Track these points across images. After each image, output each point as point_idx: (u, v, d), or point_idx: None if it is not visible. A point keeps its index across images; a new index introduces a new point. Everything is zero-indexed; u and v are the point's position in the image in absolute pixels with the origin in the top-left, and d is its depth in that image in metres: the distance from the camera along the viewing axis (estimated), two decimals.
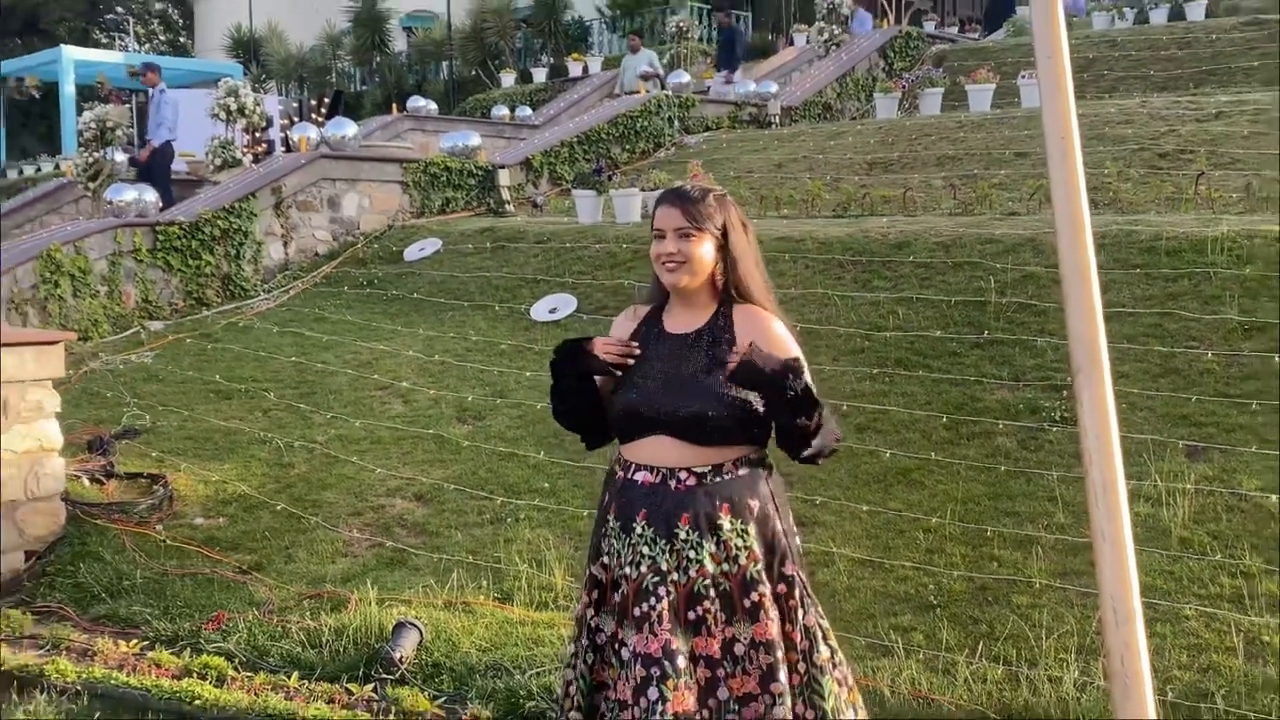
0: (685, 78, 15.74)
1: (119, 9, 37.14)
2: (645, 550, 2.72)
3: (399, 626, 4.54)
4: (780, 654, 2.66)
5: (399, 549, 5.51)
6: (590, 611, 2.82)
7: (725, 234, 2.82)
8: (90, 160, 12.62)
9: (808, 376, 2.69)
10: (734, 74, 17.93)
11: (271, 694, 4.26)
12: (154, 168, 12.32)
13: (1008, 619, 4.25)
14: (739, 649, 2.66)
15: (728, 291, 2.84)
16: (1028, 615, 4.26)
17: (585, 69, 21.23)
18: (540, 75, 22.60)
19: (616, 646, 2.74)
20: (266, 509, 5.98)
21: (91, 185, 12.58)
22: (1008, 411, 5.81)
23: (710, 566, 2.67)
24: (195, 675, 4.46)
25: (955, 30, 21.67)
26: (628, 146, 13.72)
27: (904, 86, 14.74)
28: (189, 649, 4.72)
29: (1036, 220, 8.00)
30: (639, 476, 2.79)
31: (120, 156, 13.11)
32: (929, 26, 19.70)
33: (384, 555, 5.48)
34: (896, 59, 17.16)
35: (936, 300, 7.04)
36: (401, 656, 4.41)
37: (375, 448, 6.63)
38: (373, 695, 4.24)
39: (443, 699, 4.22)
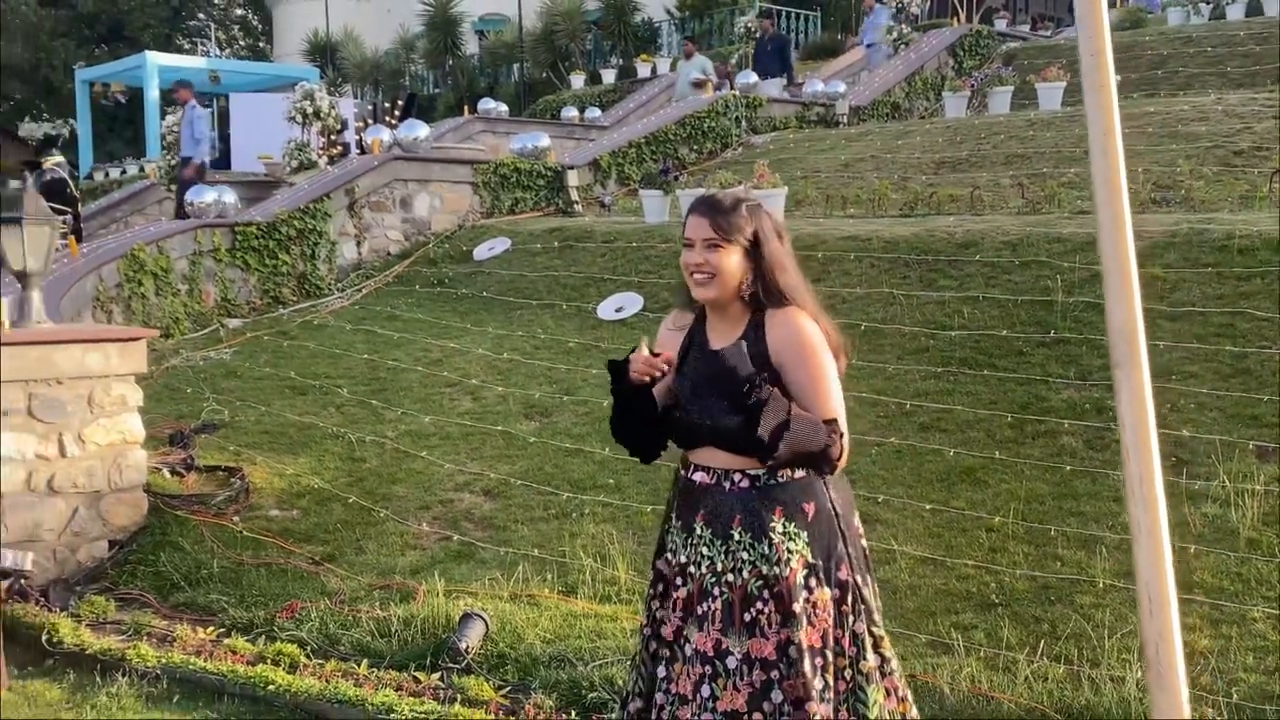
0: (753, 78, 15.71)
1: (201, 15, 37.95)
2: (705, 550, 2.76)
3: (465, 617, 4.62)
4: (828, 659, 2.67)
5: (466, 542, 5.60)
6: (656, 604, 2.87)
7: (757, 244, 2.78)
8: (173, 163, 12.93)
9: (831, 399, 2.72)
10: (791, 78, 17.75)
11: (341, 681, 4.35)
12: (192, 182, 12.49)
13: (1070, 618, 4.21)
14: (793, 652, 2.64)
15: (760, 300, 2.80)
16: (1090, 615, 4.22)
17: (654, 70, 21.29)
18: (609, 76, 22.70)
19: (680, 642, 2.77)
20: (339, 502, 6.11)
21: (173, 187, 12.90)
22: (1073, 411, 5.74)
23: (763, 568, 2.68)
24: (269, 661, 4.58)
25: (1027, 28, 21.37)
26: (695, 147, 13.74)
27: (973, 85, 14.58)
28: (263, 636, 4.84)
29: None
30: (697, 477, 2.82)
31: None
32: (1000, 25, 19.45)
33: (452, 548, 5.57)
34: (966, 57, 16.97)
35: (1003, 299, 6.98)
36: (467, 646, 4.49)
37: (444, 443, 6.73)
38: (439, 684, 4.32)
39: (507, 689, 4.29)
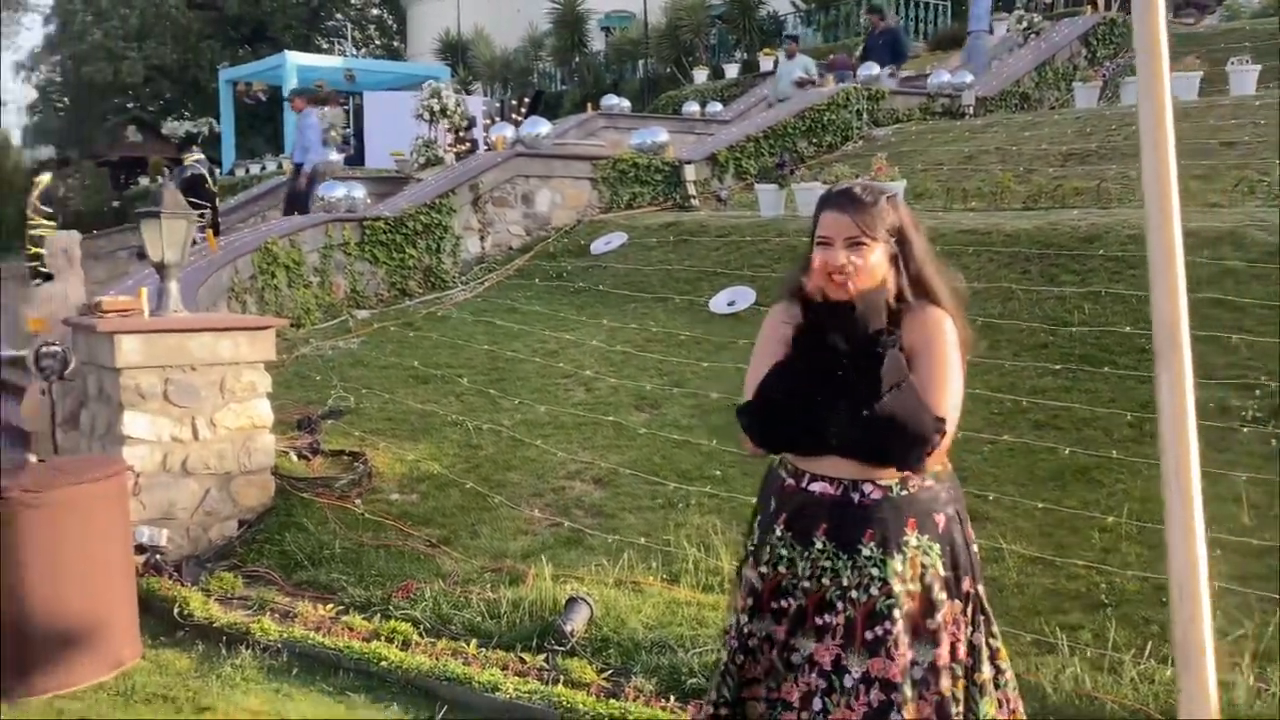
0: (876, 69, 15.52)
1: (339, 16, 39.14)
2: (826, 564, 2.58)
3: (571, 601, 4.72)
4: (957, 672, 2.56)
5: (576, 529, 5.70)
6: (744, 617, 2.70)
7: (902, 238, 2.60)
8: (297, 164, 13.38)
9: (949, 398, 2.52)
10: (898, 70, 17.43)
11: (451, 659, 4.49)
12: (308, 192, 12.85)
13: None
14: (917, 673, 2.50)
15: (899, 298, 2.60)
16: None
17: (776, 64, 21.16)
18: (732, 71, 22.67)
19: (786, 653, 2.62)
20: (456, 487, 6.27)
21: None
22: (1197, 410, 5.54)
23: (895, 585, 2.52)
24: (383, 639, 4.73)
25: (1169, 16, 20.57)
26: (814, 140, 13.64)
27: (1105, 75, 14.14)
28: (379, 614, 5.01)
29: (1238, 213, 7.59)
30: (816, 488, 2.62)
31: (335, 156, 13.87)
32: None
33: (561, 534, 5.68)
34: (1099, 46, 16.46)
35: (1126, 295, 6.78)
36: (572, 630, 4.58)
37: (558, 432, 6.85)
38: (544, 665, 4.43)
39: (609, 672, 4.37)
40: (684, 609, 4.75)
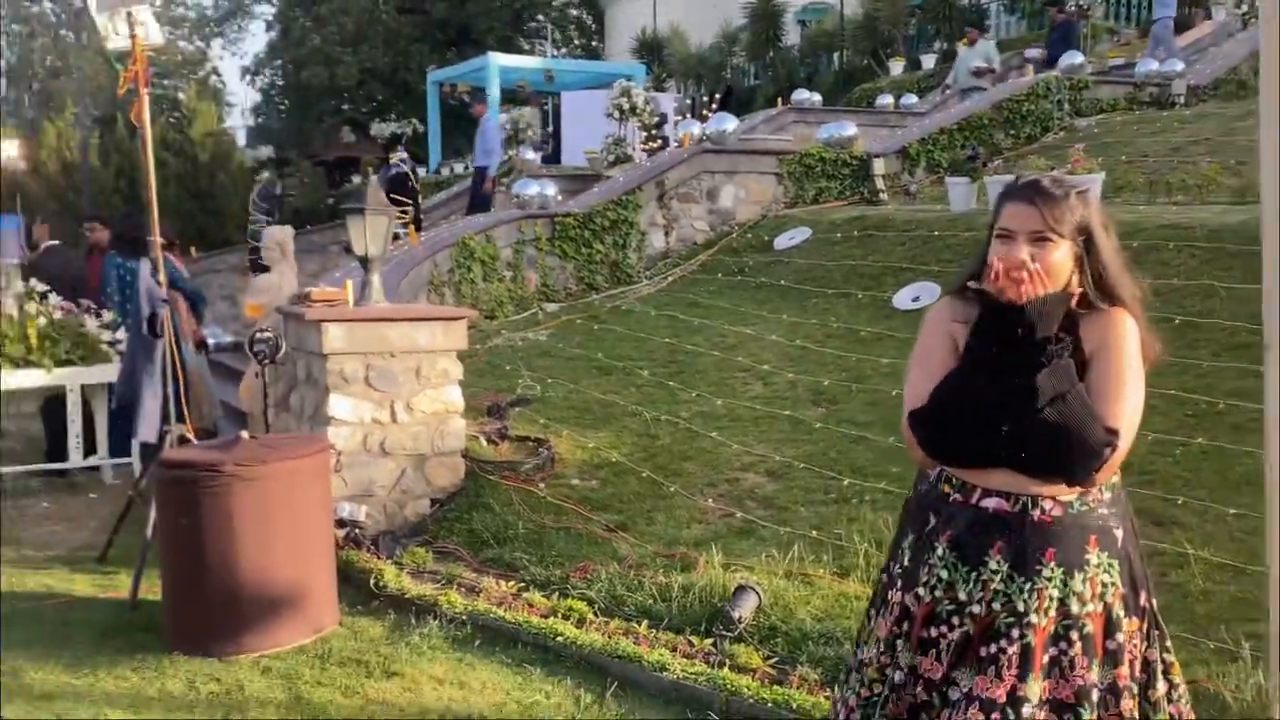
0: (1079, 58, 14.95)
1: (539, 17, 40.16)
2: (999, 587, 2.43)
3: (740, 589, 4.81)
4: (1135, 690, 2.47)
5: (748, 520, 5.79)
6: (901, 643, 2.54)
7: (1089, 237, 2.43)
8: (505, 158, 13.88)
9: (1124, 407, 2.35)
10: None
11: (623, 638, 4.66)
12: (486, 195, 13.22)
13: None
14: (1095, 695, 2.39)
15: (1083, 302, 2.45)
16: None
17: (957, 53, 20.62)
18: (930, 62, 22.21)
19: (943, 688, 2.48)
20: (634, 475, 6.46)
21: (504, 181, 13.87)
22: None
23: (1074, 606, 2.40)
24: (560, 616, 4.95)
25: None
26: (1012, 131, 13.26)
27: None
28: (557, 593, 5.22)
29: None
30: (988, 504, 2.46)
31: (531, 154, 14.32)
32: None
33: (734, 525, 5.78)
34: None
35: None
36: (740, 617, 4.68)
37: (734, 425, 6.95)
38: (711, 649, 4.54)
39: (775, 659, 4.44)
40: (853, 603, 4.77)
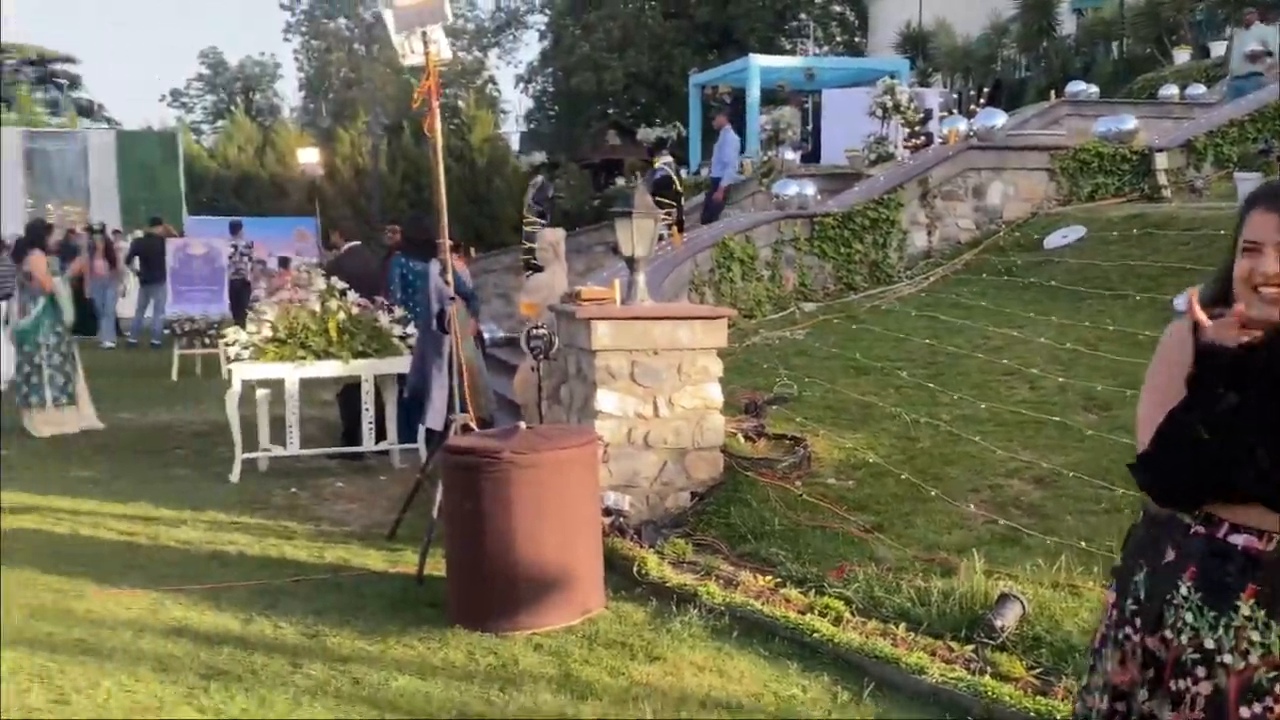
0: None
1: (802, 15, 40.05)
2: (1255, 636, 2.18)
3: (1003, 597, 4.71)
4: None
5: (1012, 527, 5.63)
6: (1145, 692, 2.30)
7: None
8: (765, 158, 13.99)
9: None
10: None
11: (880, 639, 4.65)
12: (719, 205, 13.19)
13: None
14: None
15: None
16: None
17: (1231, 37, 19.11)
18: (1220, 49, 20.71)
19: None
20: (891, 477, 6.40)
21: (764, 181, 13.98)
22: None
23: None
24: (816, 613, 4.98)
25: None
26: None
27: None
28: (813, 590, 5.26)
29: None
30: (1238, 540, 2.21)
31: (790, 154, 14.37)
32: None
33: (996, 532, 5.64)
34: None
35: None
36: (1003, 625, 4.58)
37: (998, 429, 6.78)
38: (971, 655, 4.48)
39: (1039, 670, 4.33)
40: (1081, 683, 4.59)
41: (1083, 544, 5.31)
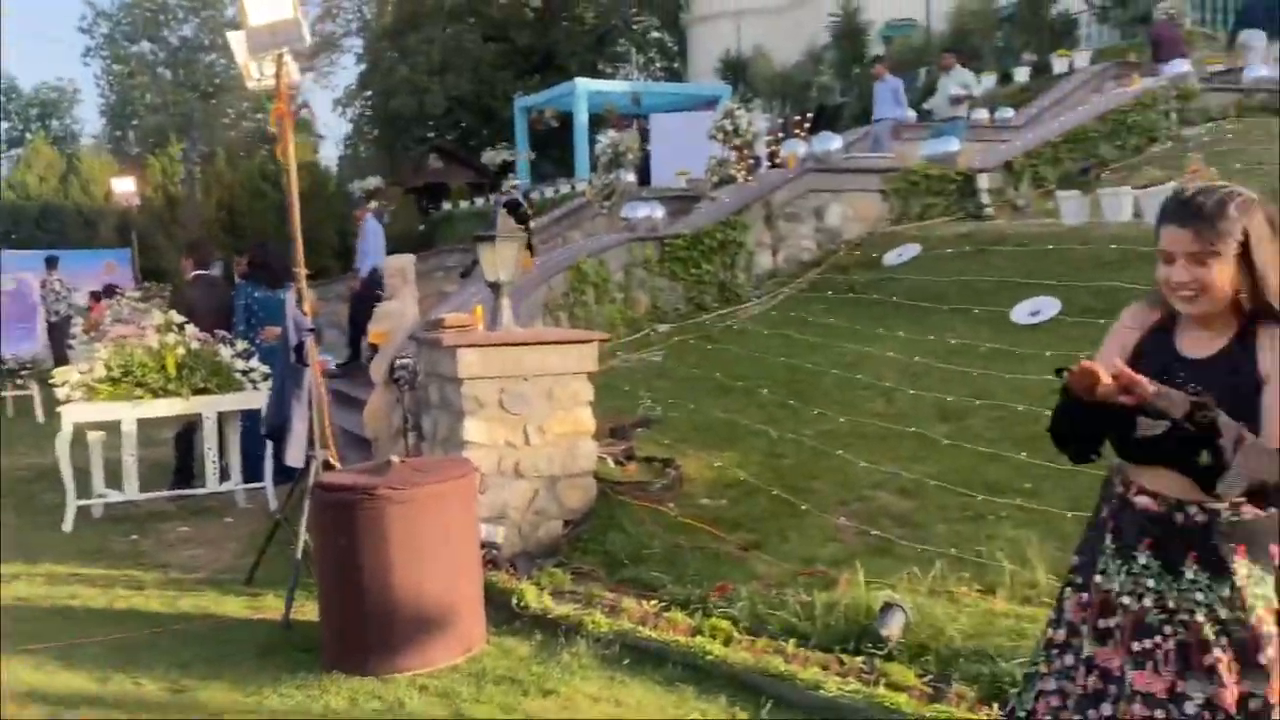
0: (1185, 66, 14.70)
1: (622, 41, 40.55)
2: (1150, 583, 2.50)
3: (886, 607, 4.81)
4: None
5: (884, 538, 5.78)
6: (1087, 628, 2.62)
7: (1247, 245, 2.40)
8: (605, 181, 14.06)
9: None
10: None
11: (773, 656, 4.68)
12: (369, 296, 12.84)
13: None
14: (1254, 704, 2.39)
15: (1254, 309, 2.45)
16: None
17: (1071, 65, 20.36)
18: (1022, 75, 21.95)
19: (1116, 676, 2.54)
20: (763, 494, 6.48)
21: (606, 204, 14.03)
22: None
23: (1222, 612, 2.42)
24: (705, 635, 4.98)
25: None
26: (1118, 143, 13.08)
27: None
28: (698, 612, 5.24)
29: None
30: (1141, 501, 2.54)
31: (631, 177, 14.48)
32: None
33: (870, 543, 5.77)
34: None
35: None
36: (889, 635, 4.67)
37: (859, 443, 6.95)
38: (863, 666, 4.55)
39: (928, 677, 4.43)
40: (1001, 620, 4.75)
41: (953, 550, 5.48)
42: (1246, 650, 2.41)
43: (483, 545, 6.08)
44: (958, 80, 15.46)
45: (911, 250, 10.57)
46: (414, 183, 32.98)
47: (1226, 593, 2.42)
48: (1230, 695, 2.39)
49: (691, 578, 5.64)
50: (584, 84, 26.00)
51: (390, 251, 12.59)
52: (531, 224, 15.02)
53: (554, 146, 32.35)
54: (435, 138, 36.99)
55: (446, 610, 5.03)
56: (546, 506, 6.51)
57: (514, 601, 5.57)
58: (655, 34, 42.34)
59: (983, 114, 17.77)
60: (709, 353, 9.45)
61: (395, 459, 5.30)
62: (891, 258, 10.63)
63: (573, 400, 6.55)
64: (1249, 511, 2.43)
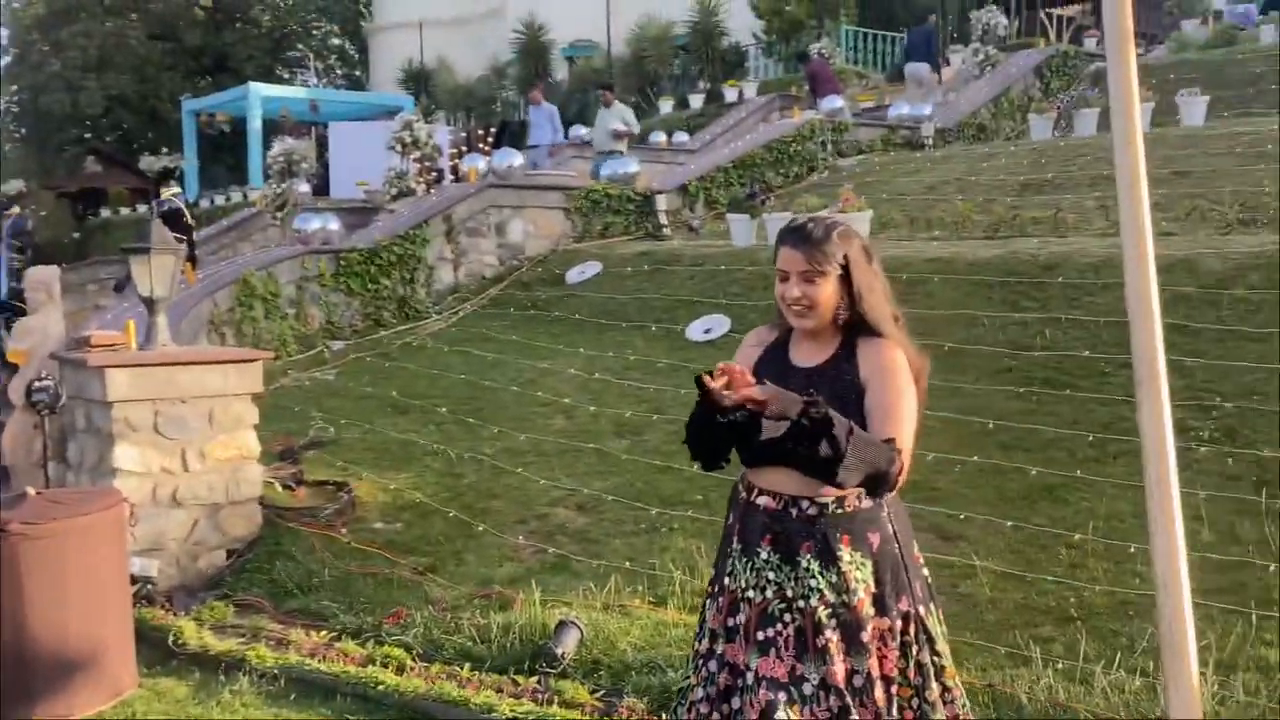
0: (839, 102, 15.86)
1: (300, 46, 39.17)
2: (770, 575, 2.74)
3: (561, 625, 4.84)
4: (894, 689, 2.70)
5: (561, 555, 5.83)
6: (722, 631, 2.84)
7: (847, 269, 2.75)
8: (278, 191, 13.50)
9: (902, 423, 2.66)
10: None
11: (446, 682, 4.60)
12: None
13: (1147, 632, 4.30)
14: (858, 681, 2.66)
15: (851, 324, 2.78)
16: None
17: (741, 94, 21.54)
18: (697, 101, 23.00)
19: (742, 669, 2.75)
20: (439, 515, 6.39)
21: (279, 215, 13.47)
22: None
23: (831, 596, 2.68)
24: (378, 664, 4.82)
25: None
26: (782, 171, 13.94)
27: (1059, 107, 14.54)
28: (372, 640, 5.09)
29: (1190, 241, 7.90)
30: (761, 501, 2.79)
31: (305, 188, 13.97)
32: (1090, 44, 19.33)
33: (547, 560, 5.81)
34: (1053, 78, 16.92)
35: (1085, 321, 7.05)
36: (563, 653, 4.71)
37: (539, 460, 7.00)
38: (537, 686, 4.55)
39: (601, 692, 4.48)
40: (671, 630, 4.89)
41: (627, 564, 5.60)
42: (851, 630, 2.67)
43: (135, 580, 5.65)
44: (618, 115, 15.28)
45: (593, 268, 10.79)
46: (68, 187, 30.52)
47: (835, 578, 2.69)
48: (840, 672, 2.64)
49: (364, 605, 5.47)
50: (258, 88, 24.95)
51: (38, 261, 11.57)
52: (196, 234, 14.25)
53: (226, 153, 30.87)
54: (93, 139, 34.36)
55: (91, 652, 4.62)
56: (208, 536, 6.13)
57: (171, 639, 5.21)
58: (336, 41, 41.20)
59: (661, 137, 18.47)
60: (386, 370, 9.25)
61: (31, 491, 4.82)
62: (573, 275, 10.80)
63: (236, 423, 6.21)
64: (851, 504, 2.72)
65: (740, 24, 25.02)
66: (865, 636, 2.68)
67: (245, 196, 21.72)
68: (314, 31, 39.85)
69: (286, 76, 37.35)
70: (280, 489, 6.78)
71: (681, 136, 18.51)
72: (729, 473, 2.98)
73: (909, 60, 18.63)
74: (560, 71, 29.54)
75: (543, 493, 6.53)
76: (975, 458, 6.02)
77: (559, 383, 8.31)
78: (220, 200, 24.23)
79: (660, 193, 12.60)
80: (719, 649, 2.83)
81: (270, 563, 6.05)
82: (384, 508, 6.57)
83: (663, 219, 12.34)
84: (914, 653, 2.74)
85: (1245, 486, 5.25)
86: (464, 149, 17.81)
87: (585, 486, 6.52)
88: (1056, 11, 20.23)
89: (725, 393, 2.51)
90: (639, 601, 5.20)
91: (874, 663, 2.67)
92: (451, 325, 10.42)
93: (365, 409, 8.31)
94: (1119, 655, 4.20)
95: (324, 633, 5.25)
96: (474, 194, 11.61)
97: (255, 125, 24.11)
